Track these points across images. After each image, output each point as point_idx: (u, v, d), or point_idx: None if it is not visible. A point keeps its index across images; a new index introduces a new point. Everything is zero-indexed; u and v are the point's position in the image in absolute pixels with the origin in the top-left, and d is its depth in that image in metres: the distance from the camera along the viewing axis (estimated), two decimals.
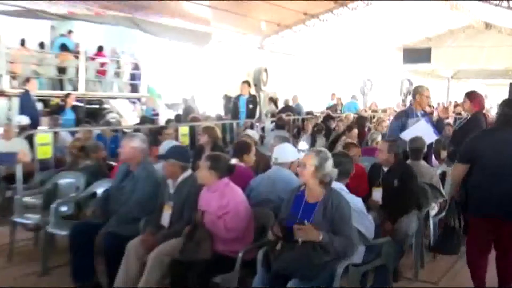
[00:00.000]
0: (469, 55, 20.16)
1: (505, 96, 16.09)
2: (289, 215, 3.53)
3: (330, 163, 3.51)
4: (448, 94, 27.30)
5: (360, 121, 9.83)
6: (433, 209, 5.38)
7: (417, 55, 18.64)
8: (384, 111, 16.26)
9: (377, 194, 5.04)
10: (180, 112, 13.68)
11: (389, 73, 22.06)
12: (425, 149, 5.75)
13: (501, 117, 4.09)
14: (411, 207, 4.82)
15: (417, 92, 6.29)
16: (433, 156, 6.89)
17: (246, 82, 10.80)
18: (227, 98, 12.74)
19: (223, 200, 3.87)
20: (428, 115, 6.60)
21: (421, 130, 5.86)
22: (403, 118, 6.17)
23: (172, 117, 11.46)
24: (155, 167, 5.03)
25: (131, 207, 4.34)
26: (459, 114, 14.68)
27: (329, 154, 3.57)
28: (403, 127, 6.08)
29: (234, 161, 4.69)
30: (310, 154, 3.55)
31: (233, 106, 10.87)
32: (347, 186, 4.06)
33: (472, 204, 4.08)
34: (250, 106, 10.54)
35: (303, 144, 8.25)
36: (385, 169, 5.13)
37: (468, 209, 4.14)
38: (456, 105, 18.08)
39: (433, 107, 19.64)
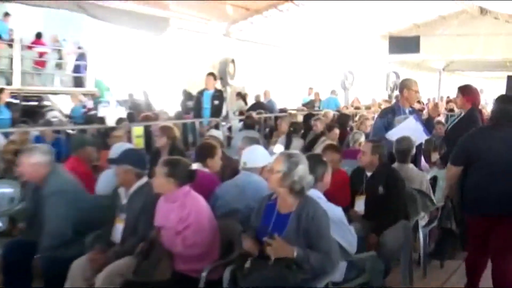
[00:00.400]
0: (462, 44, 20.46)
1: (503, 90, 16.51)
2: (260, 227, 3.54)
3: (302, 168, 3.49)
4: (439, 88, 27.77)
5: (341, 120, 9.90)
6: (423, 219, 5.47)
7: (405, 44, 18.91)
8: (368, 108, 16.47)
9: (360, 203, 5.11)
10: (128, 110, 13.56)
11: (374, 64, 22.31)
12: (414, 151, 5.85)
13: (497, 114, 4.41)
14: (398, 217, 4.90)
15: (404, 86, 6.41)
16: (422, 159, 7.01)
17: (212, 74, 10.74)
18: (186, 94, 12.69)
19: (183, 212, 3.86)
20: (417, 112, 6.72)
21: (409, 129, 5.96)
22: (389, 116, 6.28)
23: (125, 116, 11.35)
24: (105, 173, 4.99)
25: (48, 237, 4.15)
26: (451, 110, 14.98)
27: (303, 159, 3.56)
28: (389, 126, 6.18)
29: (196, 166, 4.69)
30: (279, 158, 3.55)
31: (195, 102, 10.76)
32: (326, 194, 4.11)
33: (470, 203, 4.43)
34: (216, 102, 10.47)
35: (279, 147, 8.27)
36: (369, 174, 5.21)
37: (465, 209, 4.49)
38: (448, 101, 18.45)
39: (423, 103, 19.95)
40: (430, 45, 19.91)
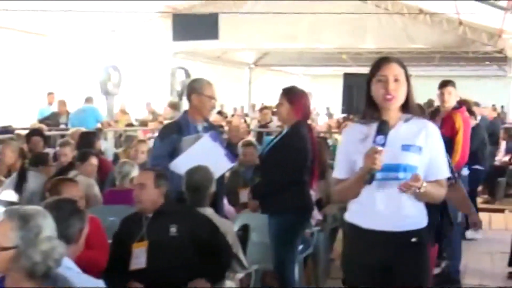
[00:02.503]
0: (280, 28, 21.31)
1: (338, 91, 17.63)
2: None
3: (47, 238, 3.35)
4: (249, 91, 29.03)
5: (83, 143, 9.66)
6: None
7: (196, 26, 19.27)
8: (144, 123, 16.62)
9: (139, 254, 5.18)
10: None
11: (152, 57, 22.59)
12: (214, 188, 6.02)
13: None
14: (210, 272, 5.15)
15: (193, 90, 6.50)
16: (225, 200, 7.23)
17: None
18: None
19: None
20: (215, 128, 6.88)
21: (205, 155, 6.11)
22: (173, 136, 6.35)
23: None
24: None
25: None
26: (265, 126, 15.59)
27: (48, 219, 3.43)
28: (174, 151, 6.29)
29: None
30: (5, 224, 3.35)
31: None
32: (78, 257, 4.07)
33: None
34: None
35: (7, 193, 7.96)
36: (150, 215, 5.31)
37: None
38: (263, 108, 19.04)
39: (227, 115, 20.60)
40: (234, 29, 20.49)
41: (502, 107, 27.04)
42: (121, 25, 20.10)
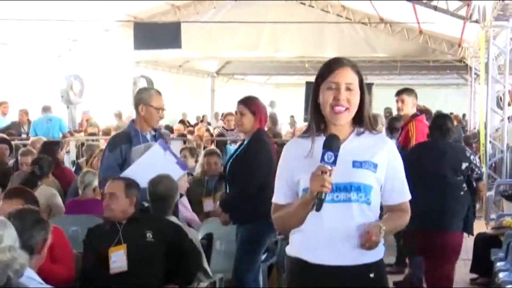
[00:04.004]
0: (242, 37, 21.21)
1: (300, 99, 17.55)
2: None
3: (6, 247, 3.30)
4: (212, 100, 28.96)
5: (46, 151, 9.58)
6: None
7: (158, 35, 19.09)
8: (106, 133, 16.44)
9: (118, 257, 5.18)
10: None
11: (114, 66, 22.38)
12: (178, 197, 6.10)
13: (431, 129, 6.92)
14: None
15: (140, 100, 6.37)
16: (184, 208, 7.20)
17: None
18: None
19: None
20: (163, 137, 6.80)
21: (157, 163, 6.08)
22: (123, 146, 6.26)
23: None
24: None
25: None
26: (220, 135, 15.49)
27: (9, 229, 3.40)
28: (125, 162, 6.20)
29: None
30: None
31: None
32: (42, 267, 4.02)
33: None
34: None
35: None
36: (123, 222, 5.32)
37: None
38: (228, 114, 18.94)
39: (188, 125, 20.43)
40: (196, 38, 20.33)
41: (464, 115, 27.16)
42: (82, 34, 19.89)
